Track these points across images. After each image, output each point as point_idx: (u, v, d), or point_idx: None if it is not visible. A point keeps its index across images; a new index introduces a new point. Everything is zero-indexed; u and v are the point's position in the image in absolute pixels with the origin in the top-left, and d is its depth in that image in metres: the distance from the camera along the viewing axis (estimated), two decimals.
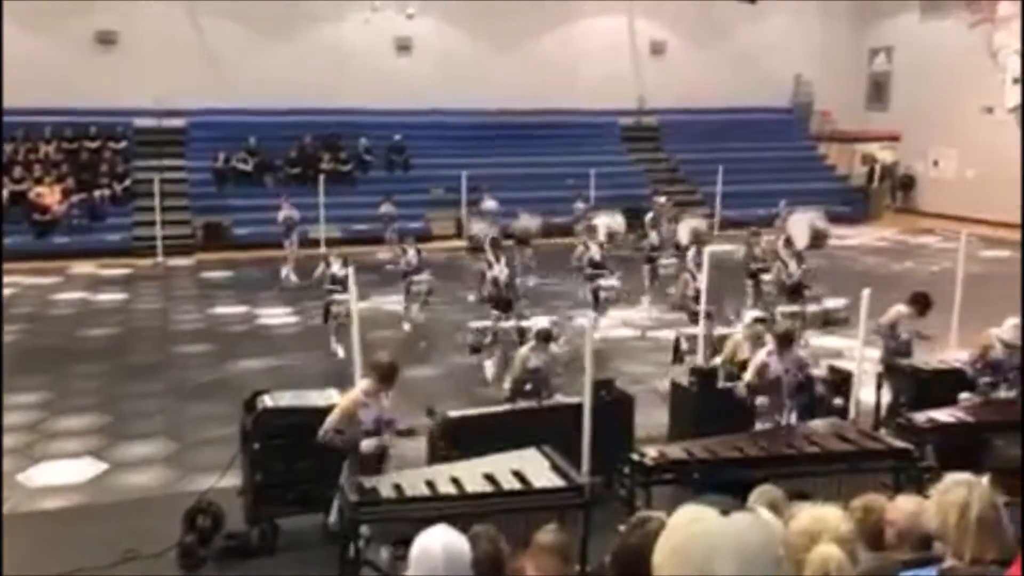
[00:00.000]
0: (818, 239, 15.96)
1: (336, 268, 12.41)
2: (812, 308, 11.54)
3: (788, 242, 13.23)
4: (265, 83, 22.43)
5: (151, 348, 12.96)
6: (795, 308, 11.92)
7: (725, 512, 1.37)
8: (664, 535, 1.39)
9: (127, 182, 21.57)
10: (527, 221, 16.68)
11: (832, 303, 12.90)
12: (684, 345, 10.36)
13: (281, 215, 17.70)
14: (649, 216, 16.48)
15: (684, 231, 16.01)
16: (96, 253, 19.52)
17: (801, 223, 16.09)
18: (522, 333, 10.70)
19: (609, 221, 15.97)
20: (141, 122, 22.79)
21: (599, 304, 13.47)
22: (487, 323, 10.81)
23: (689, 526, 1.37)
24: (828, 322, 12.00)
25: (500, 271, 11.78)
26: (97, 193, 21.07)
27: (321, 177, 20.70)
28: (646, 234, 15.64)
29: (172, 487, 8.20)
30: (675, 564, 1.36)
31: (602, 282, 13.49)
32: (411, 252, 13.99)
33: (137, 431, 9.60)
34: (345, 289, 12.32)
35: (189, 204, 21.72)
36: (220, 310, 15.31)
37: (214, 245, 20.67)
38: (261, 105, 22.72)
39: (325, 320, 12.25)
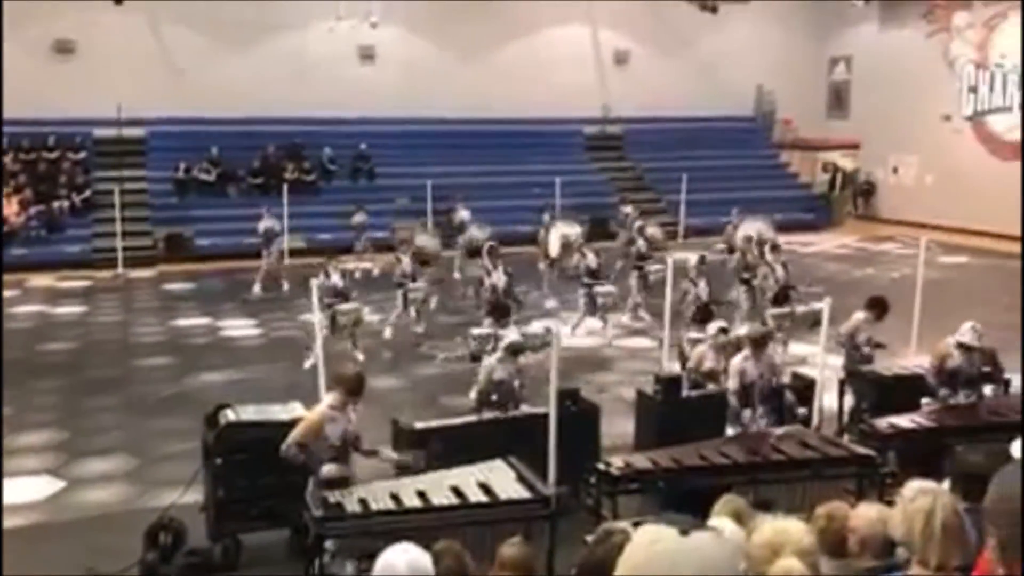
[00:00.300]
0: (763, 246, 16.24)
1: (336, 278, 12.38)
2: (801, 309, 11.61)
3: (775, 247, 13.38)
4: (227, 92, 22.21)
5: (111, 362, 12.76)
6: (784, 310, 12.01)
7: (684, 532, 1.35)
8: (624, 556, 1.37)
9: (86, 193, 21.26)
10: (477, 232, 16.62)
11: (820, 304, 12.98)
12: (688, 350, 10.43)
13: (261, 226, 17.52)
14: (636, 224, 16.63)
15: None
16: (55, 265, 19.21)
17: (750, 231, 16.33)
18: (521, 340, 10.78)
19: (565, 231, 16.04)
20: (101, 132, 22.48)
21: (597, 310, 13.65)
22: (488, 330, 10.79)
23: (649, 547, 1.35)
24: (817, 323, 12.09)
25: (499, 278, 11.85)
26: (56, 204, 20.74)
27: (285, 187, 20.54)
28: (634, 241, 15.75)
29: (133, 504, 8.06)
30: None
31: (599, 289, 13.65)
32: (405, 261, 13.98)
33: (97, 447, 9.43)
34: (347, 298, 12.35)
35: (150, 215, 21.44)
36: (182, 322, 15.12)
37: (176, 256, 20.43)
38: (223, 114, 22.50)
39: (332, 331, 12.18)
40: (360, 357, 11.78)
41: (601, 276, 14.07)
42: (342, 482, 6.05)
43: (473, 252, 16.09)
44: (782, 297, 12.21)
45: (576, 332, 13.47)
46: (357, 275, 16.01)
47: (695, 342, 10.52)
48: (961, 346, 7.92)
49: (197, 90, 22.23)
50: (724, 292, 13.64)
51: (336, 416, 6.16)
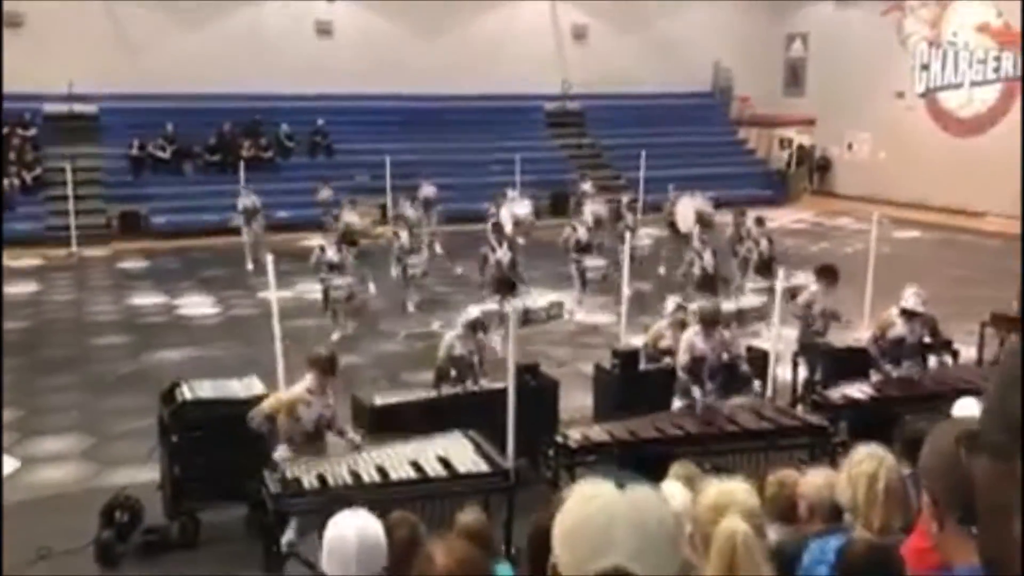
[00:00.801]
0: (703, 222, 16.44)
1: (331, 253, 12.28)
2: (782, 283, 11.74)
3: (760, 221, 13.50)
4: (181, 67, 21.84)
5: (65, 341, 12.58)
6: (764, 284, 12.12)
7: (621, 487, 1.38)
8: (562, 512, 1.40)
9: (37, 170, 20.82)
10: (409, 211, 16.47)
11: (802, 278, 13.14)
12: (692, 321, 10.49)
13: (240, 203, 17.27)
14: (625, 199, 16.70)
15: (685, 215, 16.30)
16: (6, 243, 18.82)
17: (688, 207, 16.52)
18: (527, 313, 10.91)
19: (516, 209, 16.06)
20: (51, 108, 21.98)
21: (585, 285, 13.70)
22: (493, 306, 10.83)
23: (586, 503, 1.37)
24: (795, 296, 12.30)
25: (503, 255, 11.86)
26: (5, 181, 20.28)
27: (242, 164, 20.28)
28: (621, 216, 15.80)
29: (88, 483, 7.99)
30: (573, 539, 1.37)
31: (588, 263, 13.68)
32: (404, 235, 13.92)
33: (51, 426, 9.31)
34: (341, 273, 12.28)
35: (104, 192, 21.08)
36: (138, 301, 14.93)
37: (131, 234, 20.11)
38: (178, 90, 22.11)
39: (325, 306, 12.06)
40: (335, 337, 11.73)
41: (592, 250, 14.10)
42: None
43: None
44: (765, 270, 12.30)
45: (581, 307, 13.45)
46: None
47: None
48: (904, 312, 8.00)
49: (151, 65, 21.83)
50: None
51: (312, 401, 6.22)
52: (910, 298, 8.01)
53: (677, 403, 7.45)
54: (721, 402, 7.37)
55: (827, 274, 9.19)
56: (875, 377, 7.98)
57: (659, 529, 1.37)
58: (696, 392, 7.24)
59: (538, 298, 11.93)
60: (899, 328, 8.00)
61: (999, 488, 0.92)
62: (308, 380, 6.31)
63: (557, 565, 1.39)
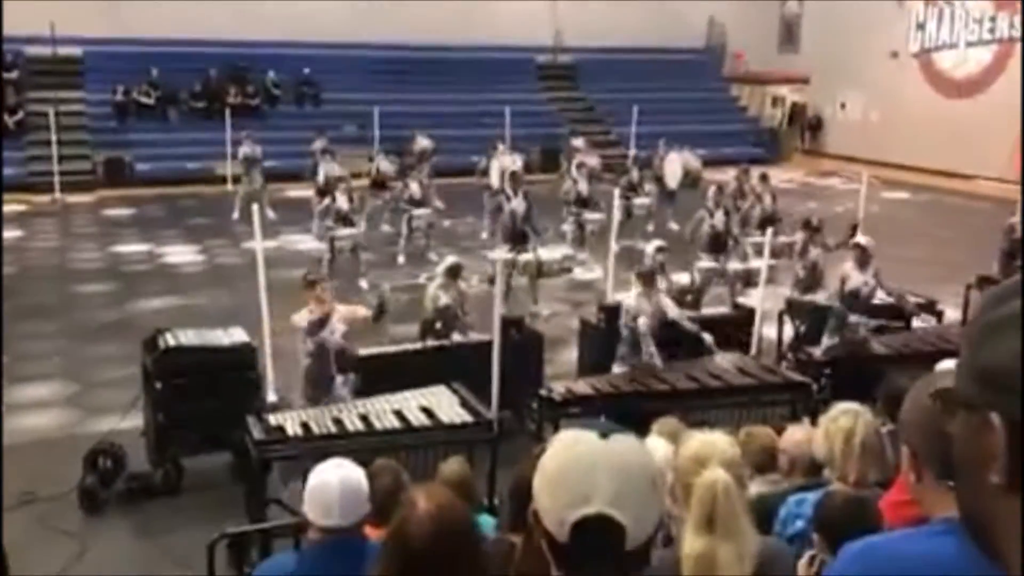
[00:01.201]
0: (688, 178, 16.41)
1: (342, 202, 12.14)
2: (781, 240, 11.70)
3: (764, 177, 13.47)
4: (167, 12, 21.42)
5: (48, 288, 12.48)
6: (760, 239, 12.11)
7: (604, 435, 1.36)
8: (543, 459, 1.39)
9: (19, 114, 20.52)
10: (384, 164, 16.28)
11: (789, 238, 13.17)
12: (698, 279, 10.47)
13: (241, 152, 17.04)
14: (632, 154, 16.61)
15: (672, 170, 16.21)
16: None
17: (675, 162, 16.45)
18: (540, 266, 10.87)
19: (506, 162, 15.93)
20: (34, 50, 21.62)
21: (584, 238, 13.59)
22: (507, 255, 10.77)
23: (567, 450, 1.36)
24: (792, 254, 12.33)
25: (518, 205, 11.77)
26: None
27: (228, 111, 20.04)
28: (627, 170, 15.74)
29: (72, 429, 7.97)
30: (554, 486, 1.36)
31: (587, 215, 13.55)
32: (413, 186, 13.75)
33: (34, 372, 9.27)
34: (349, 224, 12.16)
35: (88, 139, 20.80)
36: (122, 248, 14.82)
37: (115, 181, 19.90)
38: (163, 35, 21.75)
39: (331, 256, 11.99)
40: (365, 285, 11.82)
41: (591, 204, 14.01)
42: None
43: (378, 185, 15.83)
44: (766, 226, 12.27)
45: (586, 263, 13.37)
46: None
47: (706, 271, 10.63)
48: (856, 256, 8.05)
49: (135, 10, 21.41)
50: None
51: (311, 319, 6.45)
52: (865, 238, 8.06)
53: (616, 369, 7.38)
54: (704, 359, 7.37)
55: (809, 226, 9.27)
56: (829, 339, 8.03)
57: (641, 476, 1.37)
58: (645, 355, 7.25)
59: (553, 250, 11.86)
60: (854, 280, 8.04)
61: (973, 440, 0.91)
62: (310, 305, 6.58)
63: (538, 512, 1.38)
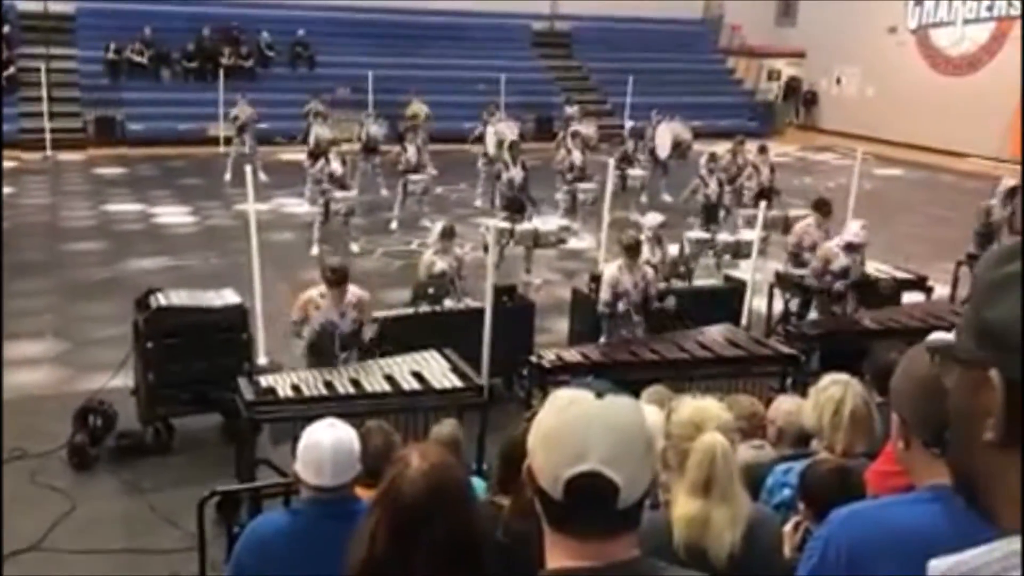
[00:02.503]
0: (679, 148, 16.37)
1: (336, 165, 12.07)
2: (775, 213, 11.67)
3: (763, 149, 13.44)
4: None
5: (39, 245, 12.43)
6: (754, 212, 12.10)
7: (599, 395, 1.38)
8: (539, 417, 1.40)
9: (11, 70, 20.29)
10: (374, 129, 16.16)
11: (795, 212, 13.11)
12: (688, 249, 10.44)
13: (234, 113, 16.89)
14: (629, 125, 16.56)
15: (663, 141, 16.17)
16: None
17: (665, 133, 16.41)
18: (537, 237, 10.90)
19: (502, 129, 15.85)
20: (25, 6, 21.35)
21: (576, 208, 13.55)
22: (505, 224, 10.76)
23: (563, 410, 1.38)
24: (788, 228, 12.28)
25: (516, 174, 11.73)
26: None
27: (221, 72, 19.85)
28: (622, 140, 15.70)
29: (62, 387, 7.97)
30: (549, 444, 1.37)
31: (580, 186, 13.54)
32: (411, 150, 13.67)
33: (25, 329, 9.24)
34: (342, 186, 12.09)
35: (80, 96, 20.62)
36: (113, 207, 14.75)
37: (107, 140, 19.77)
38: None
39: (326, 218, 11.93)
40: (356, 249, 11.80)
41: (586, 175, 13.97)
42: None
43: (369, 149, 15.72)
44: (763, 198, 12.28)
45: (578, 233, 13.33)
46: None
47: (697, 241, 10.61)
48: (849, 246, 8.05)
49: None
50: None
51: (322, 305, 6.34)
52: (859, 233, 8.04)
53: (603, 340, 7.39)
54: (697, 331, 7.40)
55: (822, 207, 9.24)
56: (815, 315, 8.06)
57: (636, 436, 1.38)
58: (624, 330, 7.26)
59: (548, 221, 11.84)
60: (842, 259, 8.05)
61: (970, 397, 0.92)
62: (322, 287, 6.50)
63: (532, 469, 1.40)
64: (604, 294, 7.39)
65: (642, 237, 7.91)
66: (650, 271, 7.62)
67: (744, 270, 9.81)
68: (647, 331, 7.41)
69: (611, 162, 11.41)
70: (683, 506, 2.39)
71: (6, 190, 15.65)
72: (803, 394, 6.02)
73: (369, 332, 6.64)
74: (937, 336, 2.51)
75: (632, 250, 7.33)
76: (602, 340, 7.42)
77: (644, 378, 5.48)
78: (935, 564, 0.89)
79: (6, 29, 20.81)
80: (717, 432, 2.41)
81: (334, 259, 6.99)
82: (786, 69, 28.34)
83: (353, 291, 6.50)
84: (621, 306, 7.29)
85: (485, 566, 1.81)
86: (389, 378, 6.05)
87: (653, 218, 7.79)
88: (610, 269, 7.51)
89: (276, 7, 22.94)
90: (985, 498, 0.92)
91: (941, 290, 9.97)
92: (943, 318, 7.25)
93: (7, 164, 17.55)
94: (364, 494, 2.85)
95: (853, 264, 8.08)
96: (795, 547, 2.78)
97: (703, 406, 2.55)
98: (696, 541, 2.40)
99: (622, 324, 7.38)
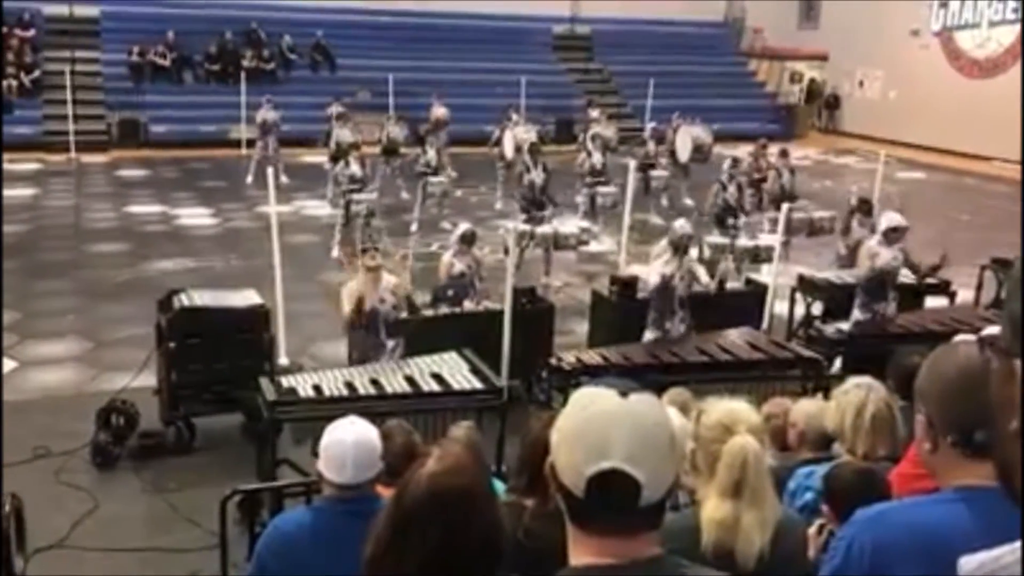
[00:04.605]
0: (699, 151, 16.30)
1: (355, 167, 12.15)
2: (799, 216, 11.57)
3: (784, 152, 13.39)
4: None
5: (63, 246, 12.55)
6: (776, 215, 12.02)
7: (624, 394, 1.38)
8: (563, 415, 1.40)
9: (36, 72, 20.52)
10: (395, 131, 16.19)
11: (819, 214, 13.04)
12: (707, 254, 10.41)
13: (260, 116, 16.99)
14: (650, 126, 16.56)
15: (683, 144, 16.14)
16: (4, 146, 18.63)
17: (685, 136, 16.34)
18: (557, 239, 10.96)
19: (520, 133, 15.85)
20: (51, 9, 21.58)
21: (596, 210, 13.58)
22: (526, 226, 10.82)
23: (585, 409, 1.37)
24: (813, 232, 12.18)
25: (537, 175, 11.78)
26: (4, 83, 20.02)
27: (243, 75, 19.98)
28: (644, 141, 15.68)
29: (85, 386, 8.04)
30: (572, 442, 1.37)
31: (600, 189, 13.56)
32: (431, 152, 13.75)
33: (49, 329, 9.34)
34: (363, 188, 12.16)
35: (104, 99, 20.80)
36: (136, 209, 14.86)
37: (130, 143, 19.94)
38: None
39: (346, 220, 12.02)
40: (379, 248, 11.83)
41: (605, 177, 13.97)
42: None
43: (390, 153, 15.79)
44: (782, 202, 12.19)
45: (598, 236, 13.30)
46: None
47: (715, 246, 10.59)
48: (886, 233, 7.88)
49: None
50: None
51: (363, 290, 6.55)
52: (893, 218, 7.91)
53: (649, 335, 7.44)
54: (692, 333, 7.40)
55: (863, 207, 9.21)
56: (860, 315, 7.91)
57: (658, 435, 1.38)
58: (668, 323, 7.29)
59: (568, 223, 11.84)
60: (885, 256, 7.88)
61: (1002, 387, 0.92)
62: (360, 276, 6.72)
63: (555, 466, 1.40)
64: (652, 278, 7.44)
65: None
66: (699, 268, 7.68)
67: (766, 274, 9.76)
68: (690, 327, 7.46)
69: (632, 164, 11.40)
70: (713, 508, 2.37)
71: (31, 191, 15.85)
72: (825, 397, 6.00)
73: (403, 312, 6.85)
74: (963, 338, 2.47)
75: (681, 247, 7.45)
76: (648, 334, 7.44)
77: (664, 381, 5.47)
78: (965, 561, 0.89)
79: (31, 32, 21.02)
80: (748, 435, 2.40)
81: (367, 245, 7.20)
82: (808, 72, 28.17)
83: (386, 277, 6.77)
84: (680, 288, 7.38)
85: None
86: (409, 379, 6.05)
87: (682, 226, 7.75)
88: (656, 264, 7.60)
89: (298, 10, 23.06)
90: (1013, 484, 0.91)
91: (965, 294, 9.87)
92: (966, 322, 7.17)
93: (32, 166, 17.78)
94: (385, 493, 2.85)
95: (895, 259, 7.90)
96: (819, 550, 2.76)
97: (733, 408, 2.54)
98: (725, 543, 2.38)
99: (667, 316, 7.39)
